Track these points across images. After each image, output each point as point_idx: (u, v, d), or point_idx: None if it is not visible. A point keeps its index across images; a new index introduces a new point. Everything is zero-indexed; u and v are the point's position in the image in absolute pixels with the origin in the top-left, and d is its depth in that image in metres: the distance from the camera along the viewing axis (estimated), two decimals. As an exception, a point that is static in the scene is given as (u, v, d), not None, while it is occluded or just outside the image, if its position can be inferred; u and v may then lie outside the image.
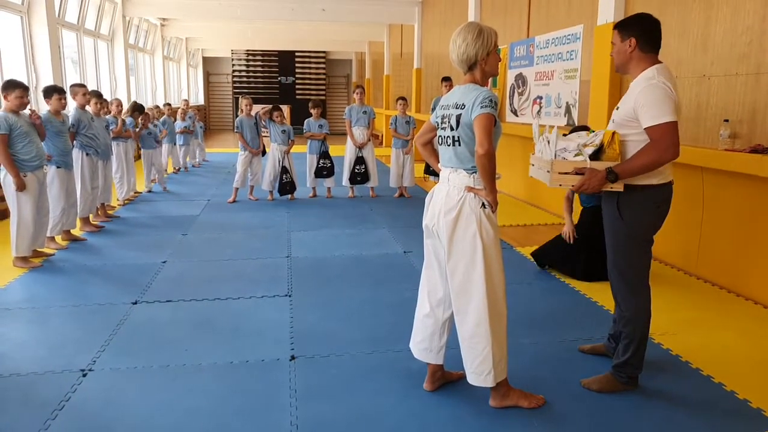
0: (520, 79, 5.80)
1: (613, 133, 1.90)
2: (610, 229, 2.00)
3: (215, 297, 2.97)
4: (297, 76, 17.42)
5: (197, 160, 8.63)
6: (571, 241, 3.15)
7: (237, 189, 5.72)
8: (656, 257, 3.59)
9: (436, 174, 2.00)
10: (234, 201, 5.64)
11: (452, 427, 1.81)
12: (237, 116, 6.24)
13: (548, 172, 1.92)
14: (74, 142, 4.12)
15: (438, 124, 1.91)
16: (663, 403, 1.95)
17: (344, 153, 5.97)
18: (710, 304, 2.90)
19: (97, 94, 4.58)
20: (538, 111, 5.40)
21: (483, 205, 1.80)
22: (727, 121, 3.07)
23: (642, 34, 1.87)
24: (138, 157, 7.23)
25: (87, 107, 4.32)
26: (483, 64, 1.82)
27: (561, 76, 4.96)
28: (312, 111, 5.80)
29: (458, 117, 1.80)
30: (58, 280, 3.25)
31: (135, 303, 2.87)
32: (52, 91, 3.79)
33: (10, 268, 3.41)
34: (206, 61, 17.59)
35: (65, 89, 4.05)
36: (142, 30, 11.21)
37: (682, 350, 2.35)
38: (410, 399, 1.97)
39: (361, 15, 10.07)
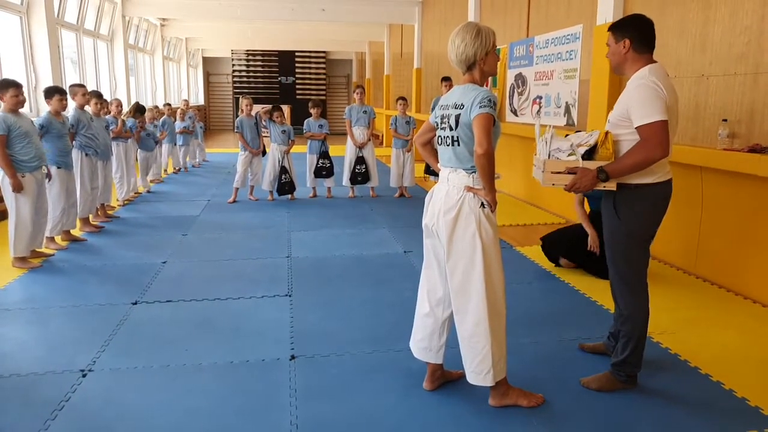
0: (520, 79, 5.80)
1: (606, 132, 1.91)
2: (608, 228, 2.01)
3: (215, 297, 2.97)
4: (297, 76, 17.42)
5: (197, 160, 8.63)
6: (599, 253, 3.10)
7: (237, 189, 5.72)
8: (655, 256, 3.60)
9: (436, 174, 2.00)
10: (234, 201, 5.65)
11: (452, 426, 1.82)
12: (237, 116, 6.25)
13: (542, 171, 1.94)
14: (73, 142, 4.12)
15: (437, 124, 1.92)
16: (662, 402, 1.96)
17: (344, 153, 5.98)
18: (709, 302, 2.90)
19: (98, 95, 4.58)
20: (538, 111, 5.40)
21: (482, 204, 1.81)
22: (725, 120, 3.08)
23: (636, 34, 1.89)
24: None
25: (86, 107, 4.33)
26: (482, 64, 1.83)
27: (560, 76, 4.96)
28: (312, 111, 5.80)
29: (457, 117, 1.81)
30: (58, 281, 3.25)
31: (135, 303, 2.88)
32: (54, 92, 3.79)
33: (9, 269, 3.42)
34: (206, 61, 17.59)
35: (65, 89, 4.05)
36: (141, 30, 11.21)
37: (681, 349, 2.35)
38: (410, 398, 1.98)
39: (361, 15, 10.07)
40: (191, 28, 13.04)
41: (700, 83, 3.34)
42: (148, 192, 6.17)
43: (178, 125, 7.72)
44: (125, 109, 6.21)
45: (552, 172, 1.92)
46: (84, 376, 2.13)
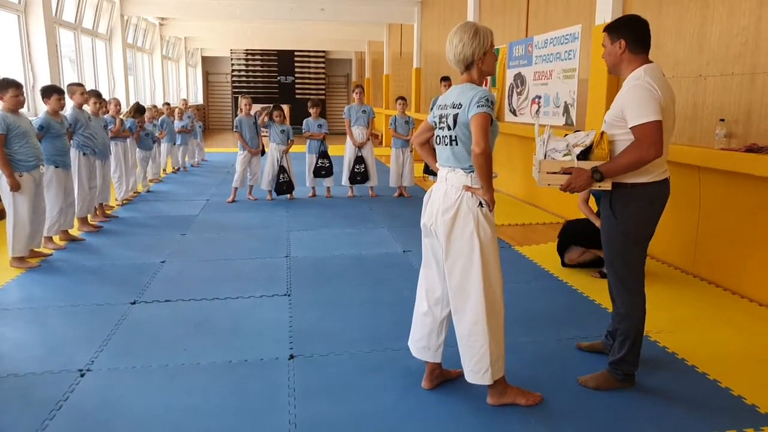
0: (519, 79, 5.81)
1: (602, 133, 1.92)
2: (605, 228, 2.02)
3: (214, 297, 2.97)
4: (296, 75, 17.41)
5: (196, 159, 8.62)
6: None
7: (236, 189, 5.72)
8: (653, 256, 3.61)
9: (435, 173, 2.01)
10: (233, 201, 5.65)
11: (451, 425, 1.82)
12: (236, 116, 6.25)
13: (539, 171, 1.95)
14: (71, 141, 4.12)
15: (435, 124, 1.92)
16: (659, 400, 1.96)
17: (344, 152, 5.98)
18: (706, 302, 2.91)
19: (97, 94, 4.57)
20: (537, 111, 5.41)
21: (480, 204, 1.81)
22: (723, 120, 3.09)
23: (631, 35, 1.90)
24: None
25: (84, 106, 4.32)
26: (480, 63, 1.83)
27: (559, 76, 4.97)
28: (311, 110, 5.80)
29: (455, 116, 1.81)
30: (56, 281, 3.25)
31: (133, 303, 2.88)
32: (52, 91, 3.78)
33: (7, 269, 3.41)
34: (205, 60, 17.57)
35: (63, 89, 4.05)
36: (140, 29, 11.19)
37: (678, 348, 2.36)
38: (409, 397, 1.98)
39: (360, 14, 10.07)
40: (190, 27, 13.02)
41: (697, 83, 3.35)
42: (147, 191, 6.16)
43: (177, 124, 7.72)
44: (124, 108, 6.21)
45: (547, 173, 1.93)
46: (82, 376, 2.13)
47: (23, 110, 3.50)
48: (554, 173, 1.92)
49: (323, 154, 5.76)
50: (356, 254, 3.81)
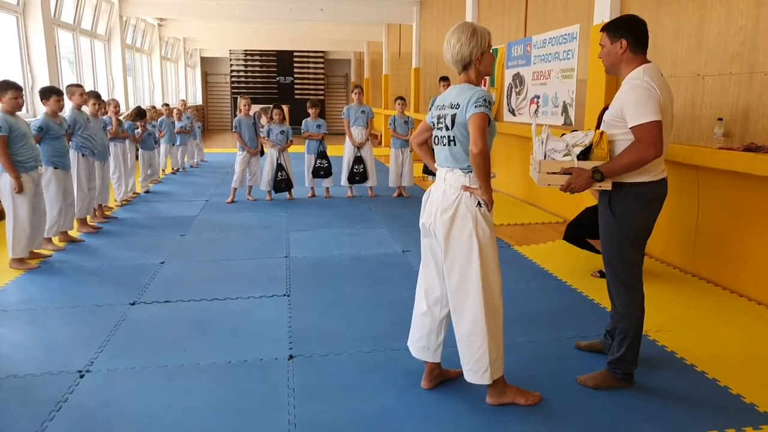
0: (518, 79, 5.81)
1: (602, 132, 1.92)
2: (603, 227, 2.02)
3: (213, 297, 2.97)
4: (295, 76, 17.41)
5: (195, 160, 8.62)
6: None
7: (235, 189, 5.72)
8: (652, 255, 3.62)
9: (434, 174, 2.01)
10: (232, 201, 5.65)
11: (450, 425, 1.83)
12: (235, 116, 6.25)
13: (538, 172, 1.95)
14: (70, 142, 4.12)
15: (434, 124, 1.92)
16: (658, 399, 1.97)
17: (343, 153, 5.98)
18: (705, 301, 2.92)
19: (96, 95, 4.57)
20: (536, 110, 5.41)
21: (479, 203, 1.81)
22: (721, 119, 3.09)
23: (632, 35, 1.90)
24: (136, 158, 7.22)
25: (83, 108, 4.32)
26: (477, 63, 1.83)
27: (558, 76, 4.97)
28: (310, 111, 5.80)
29: (453, 117, 1.81)
30: (56, 282, 3.25)
31: (133, 304, 2.88)
32: (51, 93, 3.78)
33: (6, 270, 3.41)
34: (204, 61, 17.57)
35: (62, 90, 4.04)
36: (139, 30, 11.19)
37: (677, 347, 2.36)
38: (408, 397, 1.98)
39: (359, 15, 10.08)
40: (189, 28, 13.02)
41: (696, 83, 3.36)
42: (147, 192, 6.16)
43: (176, 125, 7.72)
44: (122, 109, 6.20)
45: (547, 173, 1.92)
46: (82, 376, 2.13)
47: (21, 112, 3.50)
48: (554, 173, 1.92)
49: (322, 155, 5.77)
50: (355, 254, 3.81)
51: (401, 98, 5.98)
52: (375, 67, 14.62)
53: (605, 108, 3.01)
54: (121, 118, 5.41)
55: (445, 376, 2.08)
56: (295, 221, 4.81)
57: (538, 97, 5.39)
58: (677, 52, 3.50)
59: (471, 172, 1.81)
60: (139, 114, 5.90)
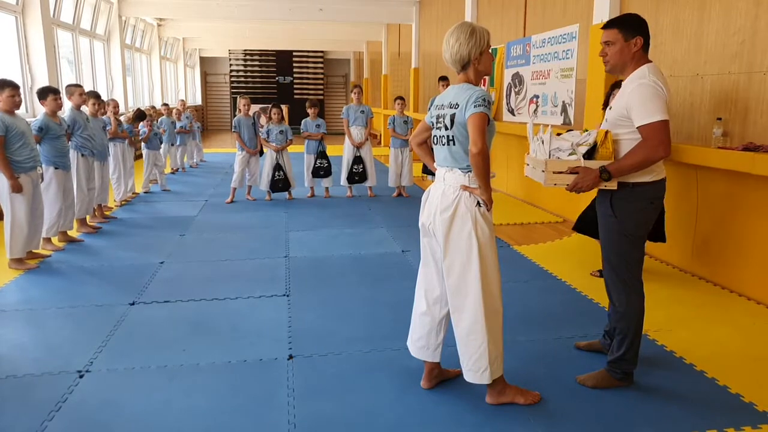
0: (517, 79, 5.81)
1: (606, 132, 1.91)
2: (603, 226, 2.02)
3: (213, 297, 2.97)
4: (295, 75, 17.42)
5: (194, 160, 8.62)
6: None
7: (235, 189, 5.71)
8: (651, 254, 3.62)
9: (433, 173, 2.01)
10: (232, 201, 5.64)
11: (450, 424, 1.83)
12: (234, 116, 6.25)
13: (543, 171, 1.94)
14: (69, 142, 4.11)
15: (433, 124, 1.93)
16: (657, 398, 1.97)
17: (342, 153, 5.98)
18: (704, 300, 2.92)
19: (95, 95, 4.57)
20: (535, 110, 5.42)
21: (478, 203, 1.81)
22: (720, 119, 3.10)
23: (645, 34, 1.89)
24: (138, 157, 7.22)
25: (83, 107, 4.32)
26: (476, 63, 1.83)
27: (557, 75, 4.98)
28: (309, 111, 5.80)
29: (452, 116, 1.81)
30: (55, 282, 3.25)
31: (132, 304, 2.88)
32: (47, 92, 3.77)
33: (5, 270, 3.41)
34: (204, 61, 17.56)
35: (60, 90, 4.04)
36: (138, 30, 11.18)
37: (676, 346, 2.37)
38: (408, 397, 1.98)
39: (358, 15, 10.08)
40: (188, 28, 13.01)
41: (695, 82, 3.36)
42: (146, 192, 6.16)
43: (176, 125, 7.71)
44: (122, 109, 6.20)
45: (554, 172, 1.90)
46: (81, 377, 2.13)
47: (21, 112, 3.49)
48: (561, 173, 1.89)
49: (321, 155, 5.76)
50: (355, 254, 3.81)
51: (400, 98, 5.98)
52: (374, 66, 14.62)
53: (615, 85, 2.93)
54: (121, 118, 5.41)
55: (444, 376, 2.08)
56: (294, 221, 4.81)
57: (537, 96, 5.39)
58: (676, 51, 3.50)
59: (470, 171, 1.81)
60: (139, 116, 5.90)
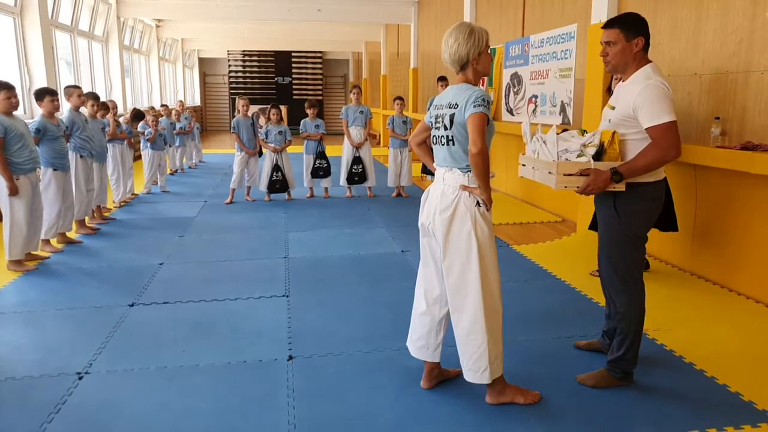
0: (516, 78, 5.82)
1: (613, 132, 1.89)
2: (605, 226, 2.01)
3: (212, 298, 2.97)
4: (294, 76, 17.41)
5: (194, 161, 8.62)
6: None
7: (234, 190, 5.71)
8: (650, 254, 3.62)
9: (433, 173, 2.00)
10: (231, 202, 5.64)
11: (449, 424, 1.83)
12: (233, 117, 6.24)
13: (550, 173, 1.89)
14: (68, 144, 4.10)
15: (432, 124, 1.93)
16: (657, 398, 1.97)
17: (341, 153, 5.98)
18: (704, 299, 2.92)
19: (95, 96, 4.56)
20: (534, 110, 5.42)
21: (478, 203, 1.81)
22: (718, 118, 3.10)
23: (647, 33, 1.88)
24: (137, 158, 7.21)
25: (82, 109, 4.31)
26: (475, 63, 1.83)
27: (556, 75, 4.98)
28: (308, 111, 5.80)
29: (452, 116, 1.81)
30: (54, 283, 3.24)
31: (132, 305, 2.87)
32: (44, 94, 3.76)
33: (4, 272, 3.40)
34: (202, 61, 17.55)
35: (58, 91, 4.03)
36: (137, 31, 11.17)
37: (676, 345, 2.37)
38: (408, 397, 1.98)
39: (357, 15, 10.08)
40: (187, 28, 13.01)
41: (693, 82, 3.36)
42: (147, 194, 6.15)
43: (175, 126, 7.71)
44: (120, 111, 6.20)
45: (564, 174, 1.86)
46: (80, 378, 2.12)
47: (19, 113, 3.49)
48: (571, 175, 1.86)
49: (321, 155, 5.76)
50: (355, 254, 3.81)
51: (400, 98, 5.98)
52: (373, 67, 14.62)
53: (613, 80, 2.89)
54: (120, 119, 5.41)
55: (444, 376, 2.08)
56: (294, 222, 4.81)
57: (536, 96, 5.39)
58: (674, 51, 3.51)
59: (470, 171, 1.81)
60: (137, 116, 5.89)
